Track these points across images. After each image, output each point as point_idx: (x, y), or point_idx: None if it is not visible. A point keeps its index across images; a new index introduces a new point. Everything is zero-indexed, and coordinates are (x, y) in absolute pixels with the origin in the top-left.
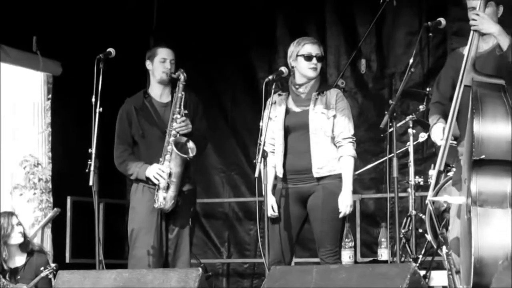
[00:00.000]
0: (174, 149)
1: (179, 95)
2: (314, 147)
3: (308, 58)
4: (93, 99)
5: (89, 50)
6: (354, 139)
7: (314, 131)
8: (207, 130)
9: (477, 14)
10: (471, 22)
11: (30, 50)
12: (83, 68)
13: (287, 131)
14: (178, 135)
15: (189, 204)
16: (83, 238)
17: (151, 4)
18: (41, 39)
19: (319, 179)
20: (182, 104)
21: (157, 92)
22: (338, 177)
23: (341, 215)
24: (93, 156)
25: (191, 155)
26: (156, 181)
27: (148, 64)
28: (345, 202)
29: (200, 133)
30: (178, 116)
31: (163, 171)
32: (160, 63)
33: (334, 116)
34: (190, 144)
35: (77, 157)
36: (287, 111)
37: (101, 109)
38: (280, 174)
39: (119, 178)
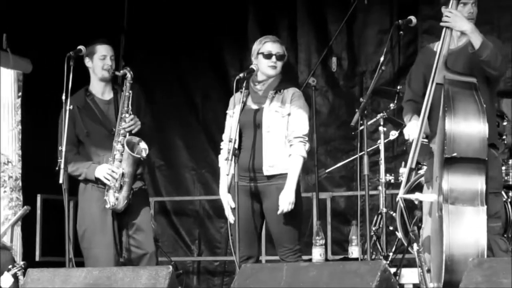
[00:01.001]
0: (127, 149)
1: (127, 94)
2: (266, 145)
3: (268, 56)
4: (63, 97)
5: (59, 48)
6: (306, 139)
7: (267, 129)
8: (152, 124)
9: (450, 12)
10: (444, 19)
11: (0, 47)
12: (53, 66)
13: (242, 128)
14: (127, 134)
15: (142, 201)
16: (53, 236)
17: (122, 2)
18: (11, 36)
19: (269, 177)
20: (130, 102)
21: (99, 89)
22: None
23: (279, 212)
24: (63, 154)
25: (144, 155)
26: (107, 182)
27: (87, 61)
28: (286, 199)
29: (147, 125)
30: (127, 115)
31: (114, 172)
32: (100, 60)
33: (289, 115)
34: (142, 145)
35: (47, 155)
36: (244, 108)
37: (71, 106)
38: (233, 171)
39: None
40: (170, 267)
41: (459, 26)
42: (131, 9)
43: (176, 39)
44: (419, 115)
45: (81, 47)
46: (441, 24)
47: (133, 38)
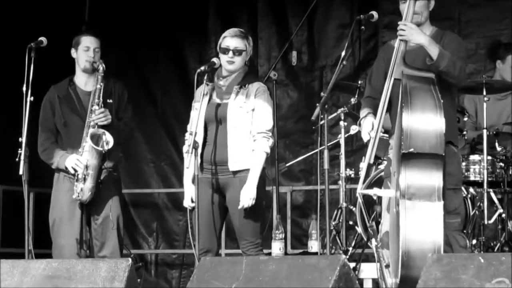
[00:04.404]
0: (90, 142)
1: (98, 86)
2: (231, 140)
3: (225, 51)
4: (24, 88)
5: (20, 39)
6: (270, 135)
7: (232, 124)
8: (133, 119)
9: (405, 25)
10: (399, 33)
11: None
12: (14, 57)
13: (207, 122)
14: (96, 126)
15: (111, 193)
16: (13, 227)
17: None
18: None
19: (235, 172)
20: (101, 95)
21: (82, 80)
22: None
23: (239, 207)
24: (23, 145)
25: (106, 147)
26: (73, 171)
27: (73, 52)
28: (248, 195)
29: (124, 122)
30: (97, 107)
31: (80, 161)
32: (83, 52)
33: (253, 110)
34: (107, 137)
35: (7, 146)
36: (209, 102)
37: (32, 98)
38: (198, 164)
39: (49, 167)
40: (130, 259)
41: (415, 39)
42: (93, 1)
43: (136, 31)
44: (375, 111)
45: (42, 38)
46: (398, 38)
47: (94, 30)
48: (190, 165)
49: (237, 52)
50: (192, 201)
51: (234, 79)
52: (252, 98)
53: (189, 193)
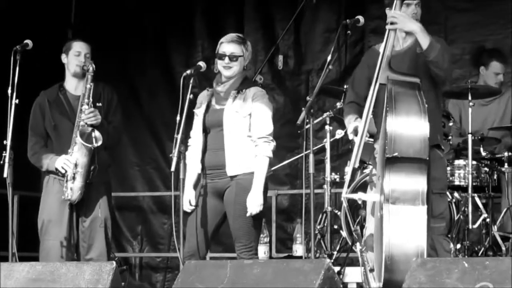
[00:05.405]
0: (79, 138)
1: (87, 86)
2: (228, 145)
3: (221, 57)
4: (9, 91)
5: (5, 42)
6: (271, 139)
7: (228, 129)
8: (122, 123)
9: (396, 13)
10: (392, 20)
11: None
12: None
13: (206, 128)
14: (86, 125)
15: (101, 195)
16: None
17: None
18: None
19: (232, 177)
20: (91, 95)
21: (72, 85)
22: (252, 174)
23: (248, 214)
24: (8, 148)
25: (95, 144)
26: (63, 171)
27: (63, 57)
28: (254, 202)
29: (114, 125)
30: (87, 107)
31: (69, 161)
32: (74, 57)
33: (250, 115)
34: (96, 134)
35: None
36: (208, 108)
37: (17, 100)
38: (199, 170)
39: (34, 170)
40: (114, 263)
41: (408, 27)
42: (79, 4)
43: (122, 34)
44: (361, 117)
45: (27, 41)
46: (388, 27)
47: (80, 33)
48: (189, 169)
49: (234, 57)
50: (191, 205)
51: (231, 84)
52: (249, 103)
53: (187, 197)
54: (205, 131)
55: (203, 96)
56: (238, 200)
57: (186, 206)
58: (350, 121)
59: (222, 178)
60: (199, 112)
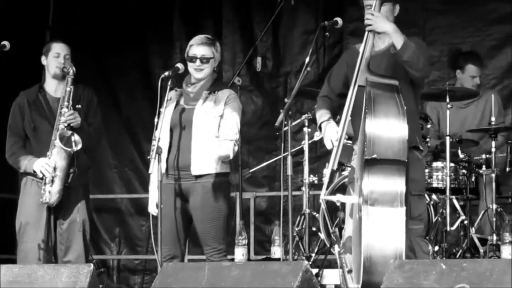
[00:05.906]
0: (58, 142)
1: (67, 89)
2: (195, 145)
3: (192, 59)
4: None
5: None
6: (237, 142)
7: (196, 129)
8: (102, 125)
9: (372, 14)
10: (366, 22)
11: None
12: None
13: (172, 127)
14: (65, 128)
15: (79, 198)
16: None
17: None
18: None
19: (197, 177)
20: (71, 98)
21: (52, 87)
22: (218, 176)
23: (215, 158)
24: None
25: (74, 148)
26: (41, 174)
27: (43, 59)
28: (224, 146)
29: (95, 127)
30: (66, 110)
31: (48, 165)
32: (54, 58)
33: (221, 116)
34: (75, 137)
35: None
36: (176, 107)
37: None
38: (163, 170)
39: (11, 172)
40: (92, 265)
41: (381, 27)
42: (57, 5)
43: (101, 36)
44: (332, 114)
45: (5, 42)
46: (366, 29)
47: (58, 35)
48: (153, 170)
49: (205, 59)
50: (157, 207)
51: (202, 85)
52: (222, 105)
53: (153, 199)
54: (171, 130)
55: (172, 96)
56: (205, 204)
57: (152, 209)
58: (321, 118)
59: (187, 180)
60: (167, 111)
